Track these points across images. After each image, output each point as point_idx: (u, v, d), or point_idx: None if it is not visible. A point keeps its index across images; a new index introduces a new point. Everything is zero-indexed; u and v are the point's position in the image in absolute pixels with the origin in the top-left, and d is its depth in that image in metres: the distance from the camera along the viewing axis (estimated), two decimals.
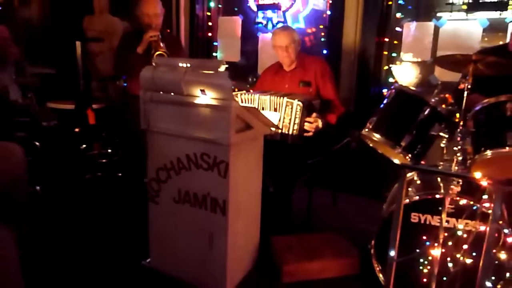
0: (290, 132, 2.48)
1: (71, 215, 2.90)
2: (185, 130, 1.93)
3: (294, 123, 2.47)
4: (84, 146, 3.44)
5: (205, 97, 1.82)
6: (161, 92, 1.98)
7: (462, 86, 1.89)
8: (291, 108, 2.45)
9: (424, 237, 1.88)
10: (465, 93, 1.87)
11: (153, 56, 2.64)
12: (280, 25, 3.83)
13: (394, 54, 3.34)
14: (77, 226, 2.73)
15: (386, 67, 3.38)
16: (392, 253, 1.58)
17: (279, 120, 2.49)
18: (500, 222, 1.65)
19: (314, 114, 2.51)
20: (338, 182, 3.16)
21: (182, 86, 1.87)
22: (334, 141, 2.86)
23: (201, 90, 1.81)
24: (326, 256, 2.20)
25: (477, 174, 1.74)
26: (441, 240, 1.56)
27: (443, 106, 2.11)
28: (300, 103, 2.43)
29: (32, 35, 5.51)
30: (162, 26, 3.06)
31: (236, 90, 2.69)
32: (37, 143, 3.38)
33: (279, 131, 2.49)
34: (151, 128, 2.05)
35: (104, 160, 3.52)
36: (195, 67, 1.86)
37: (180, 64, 1.89)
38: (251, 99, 2.56)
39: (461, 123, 1.90)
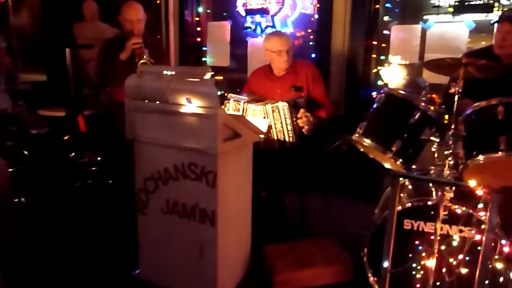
0: (286, 136, 2.45)
1: (60, 225, 2.85)
2: (171, 140, 1.88)
3: (287, 124, 2.43)
4: (73, 154, 3.38)
5: (191, 105, 1.78)
6: (147, 101, 1.94)
7: (453, 89, 1.87)
8: (278, 112, 2.42)
9: (418, 244, 1.86)
10: (456, 96, 1.85)
11: (137, 64, 2.59)
12: (269, 29, 3.82)
13: (382, 57, 3.33)
14: (65, 236, 2.68)
15: (375, 70, 3.36)
16: (386, 264, 1.55)
17: (272, 128, 2.45)
18: (496, 231, 1.62)
19: (301, 110, 2.49)
20: (330, 185, 3.14)
21: (167, 94, 1.83)
22: (326, 145, 2.84)
23: (186, 98, 1.77)
24: (318, 264, 2.16)
25: (472, 182, 1.72)
26: (436, 250, 1.53)
27: (432, 108, 2.09)
28: (285, 103, 2.41)
29: (24, 42, 5.48)
30: (152, 32, 3.01)
31: (226, 94, 2.65)
32: (25, 152, 3.32)
33: (275, 138, 2.46)
34: (137, 137, 2.00)
35: (94, 168, 3.46)
36: (180, 75, 1.82)
37: (165, 72, 1.84)
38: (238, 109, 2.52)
39: (452, 127, 1.88)
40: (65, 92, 3.43)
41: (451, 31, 3.01)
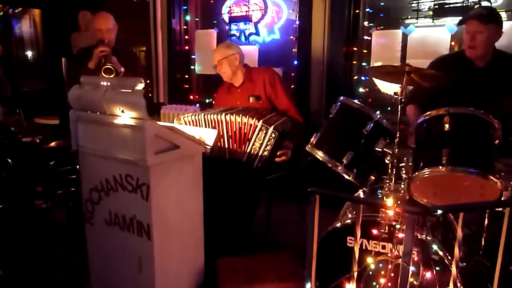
0: (258, 158, 2.37)
1: (32, 232, 2.88)
2: (110, 151, 1.86)
3: (265, 150, 2.36)
4: (53, 161, 3.42)
5: (125, 116, 1.75)
6: (89, 112, 1.93)
7: (395, 98, 1.76)
8: (265, 134, 2.33)
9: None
10: (399, 106, 1.74)
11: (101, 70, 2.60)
12: (253, 37, 3.77)
13: (364, 64, 3.21)
14: (34, 244, 2.70)
15: (356, 77, 3.24)
16: (308, 286, 1.45)
17: (249, 141, 2.38)
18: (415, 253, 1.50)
19: (286, 142, 2.43)
20: (307, 196, 3.04)
21: (104, 105, 1.81)
22: (300, 155, 2.76)
23: (120, 109, 1.75)
24: (269, 280, 2.07)
25: (389, 201, 1.60)
26: (354, 273, 1.42)
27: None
28: (275, 131, 2.32)
29: (24, 51, 5.70)
30: (138, 42, 2.98)
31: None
32: (9, 160, 3.39)
33: (247, 151, 2.39)
34: (80, 148, 2.00)
35: (73, 176, 3.49)
36: (115, 86, 1.80)
37: (102, 83, 1.83)
38: (196, 120, 2.47)
39: (397, 137, 1.77)
40: (61, 100, 3.51)
41: (433, 35, 2.88)
